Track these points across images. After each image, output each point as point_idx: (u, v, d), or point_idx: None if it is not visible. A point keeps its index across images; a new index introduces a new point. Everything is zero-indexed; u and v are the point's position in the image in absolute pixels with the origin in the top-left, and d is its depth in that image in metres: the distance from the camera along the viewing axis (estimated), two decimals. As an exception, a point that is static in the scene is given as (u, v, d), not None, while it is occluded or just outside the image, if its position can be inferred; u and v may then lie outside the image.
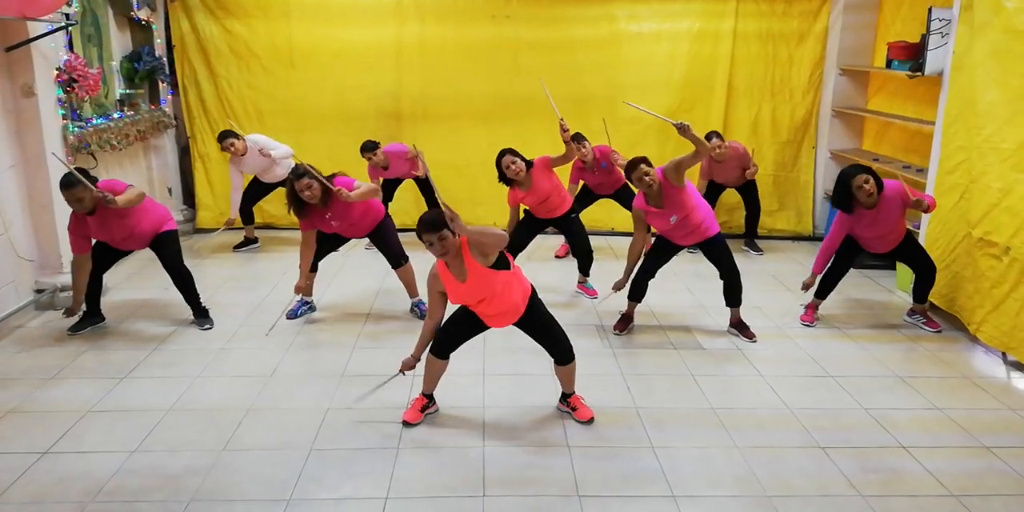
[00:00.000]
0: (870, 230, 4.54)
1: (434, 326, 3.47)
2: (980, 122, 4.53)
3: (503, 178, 4.96)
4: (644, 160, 4.30)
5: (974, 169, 4.59)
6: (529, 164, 4.93)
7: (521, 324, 3.49)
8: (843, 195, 4.42)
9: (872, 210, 4.45)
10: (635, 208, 4.45)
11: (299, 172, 4.30)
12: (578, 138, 5.62)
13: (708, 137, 5.94)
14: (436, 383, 3.59)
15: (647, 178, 4.25)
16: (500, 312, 3.39)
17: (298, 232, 6.78)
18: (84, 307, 4.52)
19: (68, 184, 4.09)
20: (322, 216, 4.47)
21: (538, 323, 3.48)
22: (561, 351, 3.51)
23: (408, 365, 3.53)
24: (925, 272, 4.74)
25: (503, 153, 4.91)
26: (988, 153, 4.47)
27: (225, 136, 5.93)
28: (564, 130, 4.85)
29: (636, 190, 4.43)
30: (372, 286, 5.50)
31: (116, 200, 4.08)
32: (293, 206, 4.39)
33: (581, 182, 6.04)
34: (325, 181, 4.32)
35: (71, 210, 4.25)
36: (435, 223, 3.15)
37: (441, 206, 3.12)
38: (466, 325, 3.49)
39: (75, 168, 4.18)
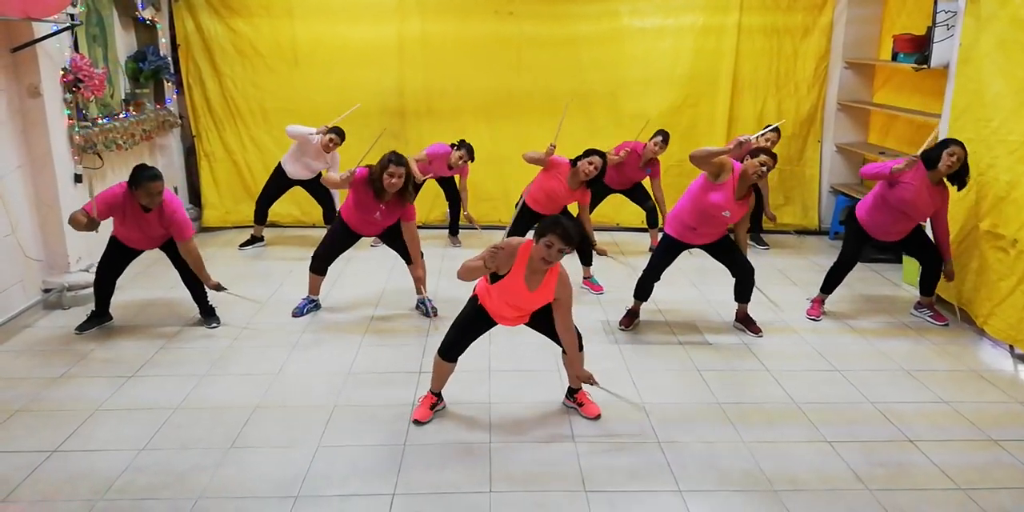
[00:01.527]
0: (907, 195, 4.46)
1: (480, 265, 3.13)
2: (987, 114, 4.51)
3: (574, 162, 4.94)
4: (775, 157, 4.26)
5: (981, 162, 4.56)
6: (591, 182, 4.98)
7: (532, 323, 3.50)
8: (936, 152, 4.41)
9: (933, 186, 4.45)
10: (731, 162, 4.25)
11: (402, 160, 4.38)
12: (666, 138, 5.91)
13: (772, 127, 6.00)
14: (445, 382, 3.59)
15: (763, 169, 4.16)
16: (519, 317, 3.43)
17: (304, 230, 6.89)
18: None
19: (156, 177, 4.14)
20: (377, 206, 4.52)
21: (549, 320, 3.45)
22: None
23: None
24: (932, 263, 4.73)
25: (602, 154, 4.89)
26: (995, 145, 4.45)
27: (338, 132, 5.95)
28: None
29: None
30: (378, 283, 5.50)
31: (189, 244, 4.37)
32: (372, 182, 4.42)
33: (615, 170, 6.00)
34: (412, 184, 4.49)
35: (121, 192, 4.22)
36: (576, 238, 3.06)
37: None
38: (475, 327, 3.47)
39: (142, 166, 4.24)
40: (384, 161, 4.37)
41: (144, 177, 4.12)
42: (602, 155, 4.90)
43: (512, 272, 3.19)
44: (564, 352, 3.53)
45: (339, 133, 5.97)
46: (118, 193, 4.24)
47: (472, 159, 6.10)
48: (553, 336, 3.51)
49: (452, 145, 6.09)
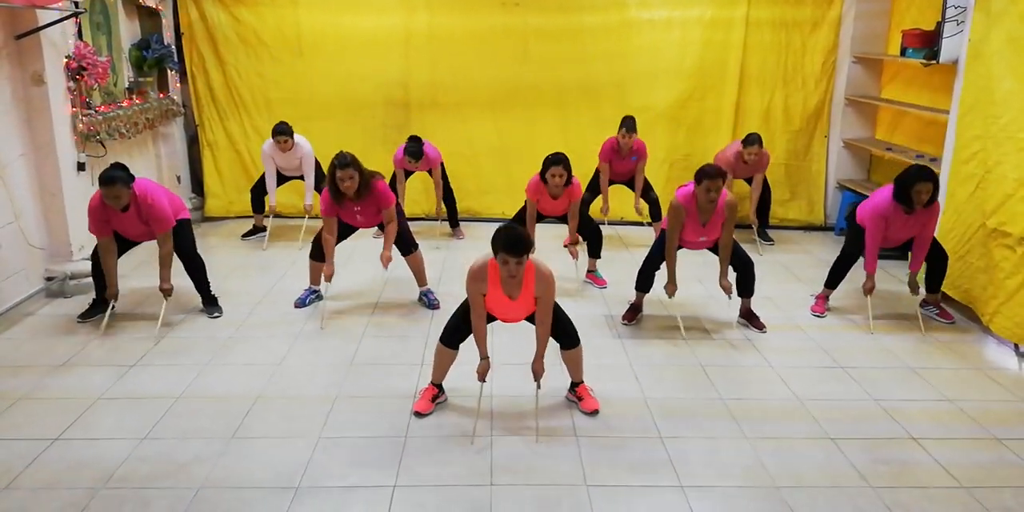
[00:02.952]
0: (900, 232, 4.51)
1: (482, 323, 3.37)
2: (997, 111, 4.47)
3: (543, 176, 4.93)
4: (724, 175, 4.23)
5: (990, 159, 4.53)
6: (568, 181, 4.92)
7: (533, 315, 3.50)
8: (904, 191, 4.33)
9: (909, 215, 4.43)
10: (679, 204, 4.29)
11: (345, 161, 4.33)
12: (629, 126, 5.77)
13: (750, 140, 5.94)
14: (446, 373, 3.58)
15: (712, 194, 4.17)
16: (518, 317, 3.48)
17: (308, 221, 6.86)
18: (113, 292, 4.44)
19: (110, 180, 4.06)
20: (352, 207, 4.55)
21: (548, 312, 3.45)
22: (567, 335, 3.50)
23: (482, 371, 3.38)
24: (937, 261, 4.70)
25: (558, 161, 4.82)
26: (1004, 142, 4.41)
27: (282, 132, 5.83)
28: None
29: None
30: (380, 275, 5.48)
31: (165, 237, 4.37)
32: (331, 192, 4.45)
33: (606, 166, 5.99)
34: (366, 174, 4.44)
35: (97, 199, 4.21)
36: (524, 246, 3.08)
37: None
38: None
39: (113, 164, 4.22)
40: (330, 170, 4.39)
41: (100, 181, 4.11)
42: (561, 160, 4.82)
43: (490, 288, 3.25)
44: (561, 347, 3.54)
45: (282, 131, 5.82)
46: (94, 201, 4.25)
47: (418, 159, 5.97)
48: (558, 330, 3.50)
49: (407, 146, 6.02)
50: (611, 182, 6.11)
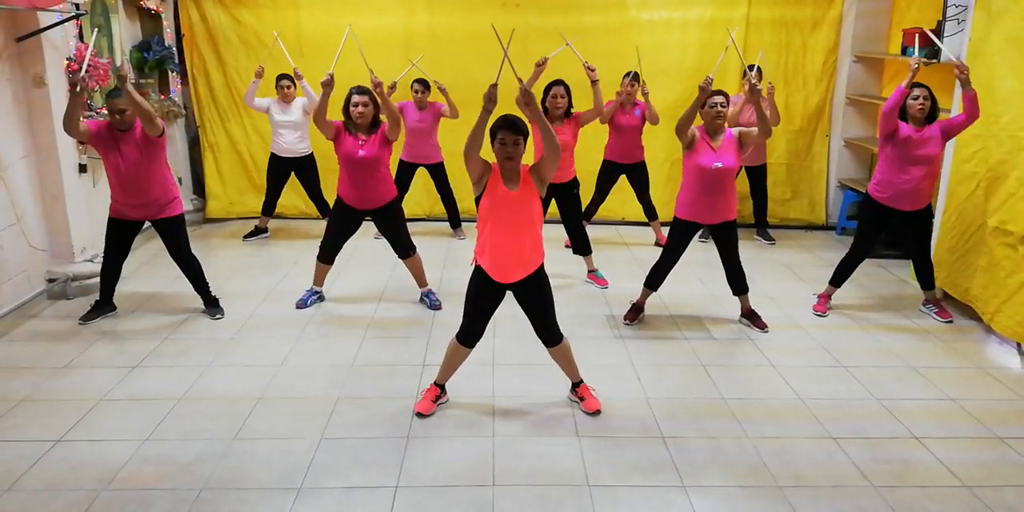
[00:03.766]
0: (912, 135, 4.48)
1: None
2: (998, 110, 4.47)
3: (544, 106, 5.06)
4: (725, 94, 4.33)
5: (991, 158, 4.53)
6: (569, 111, 5.11)
7: (524, 289, 3.42)
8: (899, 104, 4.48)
9: (918, 132, 4.48)
10: (693, 128, 4.34)
11: (363, 89, 4.56)
12: (635, 77, 5.90)
13: (749, 68, 5.99)
14: (452, 373, 3.58)
15: (718, 108, 4.25)
16: (516, 257, 3.35)
17: (307, 222, 6.88)
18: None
19: (116, 95, 4.21)
20: (357, 139, 4.60)
21: (540, 295, 3.43)
22: (549, 331, 3.48)
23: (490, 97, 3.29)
24: (918, 256, 4.75)
25: (558, 82, 5.06)
26: (1005, 141, 4.41)
27: (286, 77, 6.05)
28: (590, 69, 5.00)
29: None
30: (382, 276, 5.50)
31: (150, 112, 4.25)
32: (344, 121, 4.61)
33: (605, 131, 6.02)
34: (384, 104, 4.60)
35: (105, 121, 4.34)
36: (521, 127, 3.26)
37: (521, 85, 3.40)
38: (484, 298, 3.43)
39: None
40: (346, 97, 4.56)
41: (109, 94, 4.27)
42: (562, 82, 5.07)
43: (491, 182, 3.33)
44: (545, 344, 3.52)
45: (286, 76, 6.05)
46: (102, 121, 4.40)
47: (428, 89, 6.13)
48: (536, 319, 3.47)
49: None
50: (616, 168, 6.16)
